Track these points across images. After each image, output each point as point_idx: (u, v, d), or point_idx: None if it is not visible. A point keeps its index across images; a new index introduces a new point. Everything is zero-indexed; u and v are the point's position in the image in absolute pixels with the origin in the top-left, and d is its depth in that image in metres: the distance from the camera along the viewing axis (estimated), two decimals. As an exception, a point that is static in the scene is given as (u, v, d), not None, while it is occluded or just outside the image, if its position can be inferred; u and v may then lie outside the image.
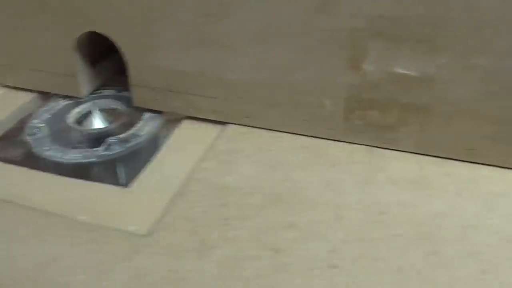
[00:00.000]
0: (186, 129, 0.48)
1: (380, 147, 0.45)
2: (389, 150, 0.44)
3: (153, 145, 0.46)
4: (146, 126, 0.48)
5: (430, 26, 0.38)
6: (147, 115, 0.49)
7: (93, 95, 0.53)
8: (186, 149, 0.45)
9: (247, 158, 0.44)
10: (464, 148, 0.42)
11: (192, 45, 0.44)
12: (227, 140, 0.46)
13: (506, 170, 0.42)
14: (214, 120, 0.48)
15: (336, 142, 0.45)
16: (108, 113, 0.51)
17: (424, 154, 0.44)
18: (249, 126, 0.47)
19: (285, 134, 0.46)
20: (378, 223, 0.37)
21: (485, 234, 0.36)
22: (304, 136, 0.46)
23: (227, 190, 0.40)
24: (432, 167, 0.43)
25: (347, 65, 0.41)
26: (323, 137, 0.46)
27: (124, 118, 0.49)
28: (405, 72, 0.40)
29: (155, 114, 0.49)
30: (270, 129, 0.47)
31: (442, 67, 0.39)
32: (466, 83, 0.39)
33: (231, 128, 0.47)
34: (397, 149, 0.44)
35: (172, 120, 0.49)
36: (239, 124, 0.47)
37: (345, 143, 0.45)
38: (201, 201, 0.39)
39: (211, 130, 0.47)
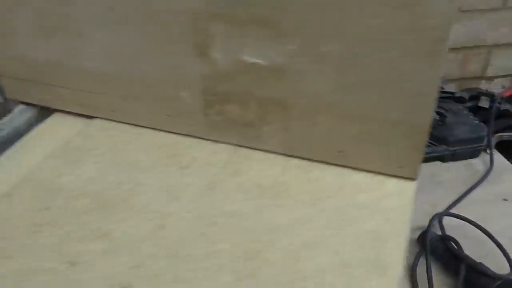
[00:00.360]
0: (51, 123, 0.45)
1: (245, 147, 0.39)
2: (254, 151, 0.39)
3: (12, 141, 0.42)
4: (12, 120, 0.45)
5: (272, 9, 0.32)
6: (19, 108, 0.46)
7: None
8: (40, 145, 0.42)
9: (98, 156, 0.40)
10: (333, 150, 0.36)
11: (44, 32, 0.41)
12: (86, 136, 0.42)
13: (379, 176, 0.35)
14: (83, 114, 0.44)
15: (200, 140, 0.40)
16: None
17: (292, 156, 0.38)
18: (116, 121, 0.43)
19: (149, 130, 0.42)
20: (202, 237, 0.32)
21: (321, 256, 0.30)
22: (168, 133, 0.41)
23: (58, 193, 0.36)
24: (296, 171, 0.37)
25: (195, 52, 0.36)
26: (186, 134, 0.41)
27: (-5, 111, 0.47)
28: (254, 60, 0.34)
29: (28, 107, 0.46)
30: (135, 125, 0.42)
31: (292, 55, 0.33)
32: (320, 73, 0.33)
33: (97, 122, 0.43)
34: (262, 149, 0.38)
35: (41, 113, 0.45)
36: (106, 119, 0.43)
37: (208, 142, 0.40)
38: (24, 204, 0.36)
39: (75, 125, 0.43)
